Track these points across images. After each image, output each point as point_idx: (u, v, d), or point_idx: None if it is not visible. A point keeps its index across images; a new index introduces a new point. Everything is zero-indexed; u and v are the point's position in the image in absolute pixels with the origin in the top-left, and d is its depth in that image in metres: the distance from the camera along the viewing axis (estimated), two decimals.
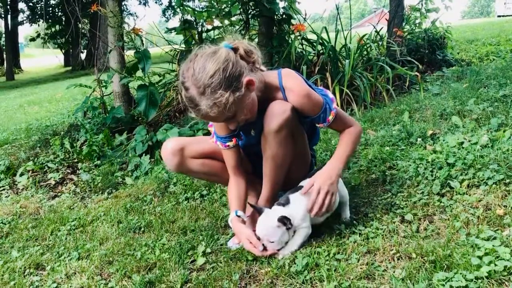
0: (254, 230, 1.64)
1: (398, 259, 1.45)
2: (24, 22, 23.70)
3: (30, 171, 3.29)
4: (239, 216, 1.73)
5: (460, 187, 1.82)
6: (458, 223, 1.57)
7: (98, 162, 3.27)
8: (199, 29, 4.18)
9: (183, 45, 4.22)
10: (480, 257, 1.31)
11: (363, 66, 4.05)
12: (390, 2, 5.39)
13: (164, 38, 4.52)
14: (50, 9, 22.80)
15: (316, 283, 1.41)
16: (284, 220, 1.56)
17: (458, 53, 6.35)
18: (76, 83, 3.97)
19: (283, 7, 3.96)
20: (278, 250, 1.60)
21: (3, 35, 23.58)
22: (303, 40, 4.13)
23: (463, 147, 2.14)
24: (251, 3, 3.86)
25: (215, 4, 3.95)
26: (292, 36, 4.05)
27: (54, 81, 14.55)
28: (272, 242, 1.58)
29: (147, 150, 3.23)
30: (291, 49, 3.74)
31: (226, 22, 3.98)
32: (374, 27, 4.58)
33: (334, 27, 4.22)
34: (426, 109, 3.01)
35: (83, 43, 21.66)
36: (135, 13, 24.23)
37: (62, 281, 1.70)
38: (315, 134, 1.95)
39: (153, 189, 2.63)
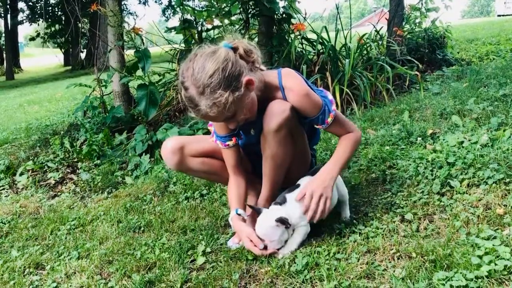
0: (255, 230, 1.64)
1: (398, 258, 1.45)
2: (24, 21, 23.70)
3: (30, 171, 3.29)
4: (239, 215, 1.73)
5: (460, 186, 1.82)
6: (458, 222, 1.57)
7: (98, 161, 3.26)
8: (199, 29, 4.18)
9: (183, 45, 4.22)
10: (480, 257, 1.31)
11: (363, 65, 4.05)
12: (390, 2, 5.39)
13: (164, 38, 4.52)
14: (50, 8, 22.80)
15: (316, 282, 1.41)
16: (282, 220, 1.56)
17: (458, 53, 6.35)
18: (76, 83, 3.96)
19: (283, 7, 3.96)
20: (278, 249, 1.60)
21: (3, 35, 23.58)
22: (303, 40, 4.13)
23: (463, 147, 2.14)
24: (251, 3, 3.86)
25: (215, 3, 3.95)
26: (292, 36, 4.05)
27: (54, 81, 14.55)
28: (273, 241, 1.59)
29: (147, 149, 3.23)
30: (291, 48, 3.74)
31: (226, 21, 3.98)
32: (374, 27, 4.58)
33: (334, 27, 4.22)
34: (426, 108, 3.01)
35: (83, 43, 21.67)
36: (135, 12, 24.28)
37: (62, 280, 1.69)
38: (316, 134, 1.95)
39: (153, 188, 2.63)
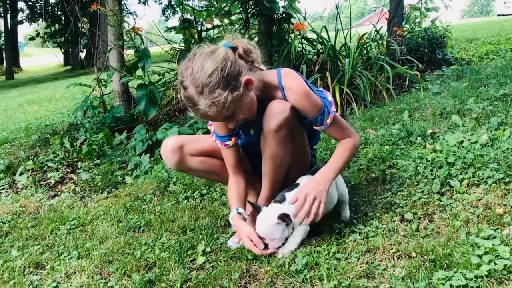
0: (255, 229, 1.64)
1: (398, 258, 1.45)
2: (24, 21, 23.69)
3: (30, 170, 3.29)
4: (240, 213, 1.73)
5: (460, 186, 1.82)
6: (458, 222, 1.57)
7: (98, 161, 3.26)
8: (199, 28, 4.18)
9: (182, 44, 4.22)
10: (480, 256, 1.31)
11: (363, 65, 4.05)
12: (390, 1, 5.39)
13: (164, 37, 4.52)
14: (50, 8, 22.79)
15: (316, 282, 1.41)
16: (283, 217, 1.56)
17: (458, 52, 6.35)
18: (75, 82, 3.96)
19: (283, 6, 3.95)
20: (278, 247, 1.61)
21: (3, 34, 23.57)
22: (303, 39, 4.13)
23: (463, 146, 2.14)
24: (250, 2, 3.86)
25: (214, 3, 3.95)
26: (292, 35, 4.05)
27: (53, 80, 14.55)
28: (273, 239, 1.59)
29: (147, 149, 3.23)
30: (291, 48, 3.74)
31: (226, 21, 3.98)
32: (374, 26, 4.57)
33: (334, 26, 4.21)
34: (426, 108, 3.01)
35: (82, 42, 21.66)
36: (134, 12, 24.24)
37: (62, 280, 1.69)
38: (316, 133, 1.95)
39: (153, 188, 2.63)
